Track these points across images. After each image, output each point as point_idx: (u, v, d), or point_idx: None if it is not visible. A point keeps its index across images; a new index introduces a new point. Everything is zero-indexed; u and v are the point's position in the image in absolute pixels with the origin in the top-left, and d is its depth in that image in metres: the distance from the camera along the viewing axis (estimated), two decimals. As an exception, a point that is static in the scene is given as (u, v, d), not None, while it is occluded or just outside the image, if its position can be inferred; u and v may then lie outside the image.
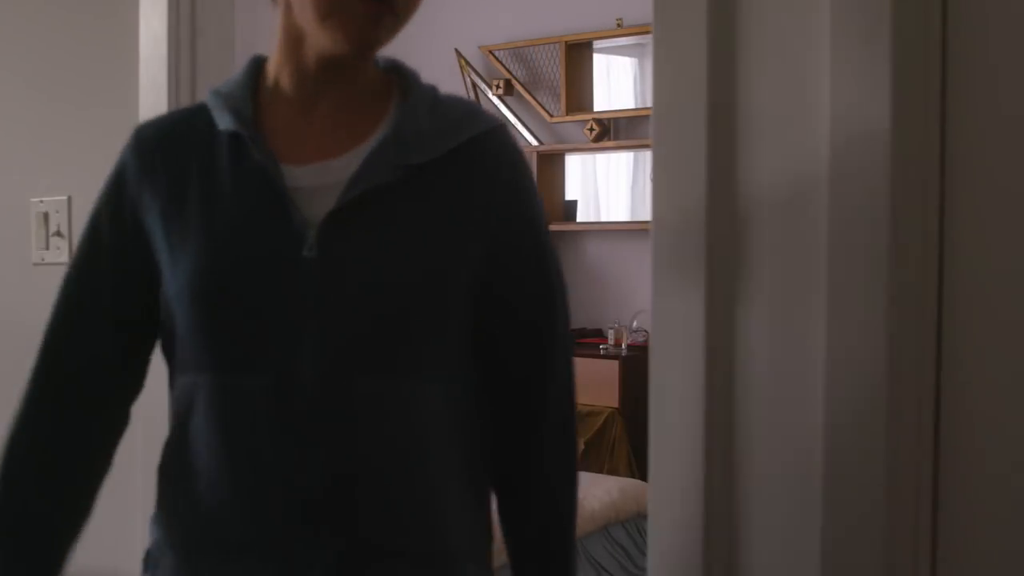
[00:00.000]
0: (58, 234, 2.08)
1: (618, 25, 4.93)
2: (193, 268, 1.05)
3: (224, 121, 1.07)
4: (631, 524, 3.18)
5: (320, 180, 1.05)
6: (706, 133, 1.15)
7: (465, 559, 1.10)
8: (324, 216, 1.03)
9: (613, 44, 5.11)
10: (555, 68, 5.15)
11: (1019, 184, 1.05)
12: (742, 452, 1.16)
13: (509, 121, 5.35)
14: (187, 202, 1.07)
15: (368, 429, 1.04)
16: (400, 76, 1.13)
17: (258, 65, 1.13)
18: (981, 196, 1.07)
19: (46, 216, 2.09)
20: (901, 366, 1.06)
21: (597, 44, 5.11)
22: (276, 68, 1.10)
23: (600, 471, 3.96)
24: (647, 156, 4.67)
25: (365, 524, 1.04)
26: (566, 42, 5.08)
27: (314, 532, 1.03)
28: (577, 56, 5.12)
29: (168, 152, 1.10)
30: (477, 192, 1.08)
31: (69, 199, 2.07)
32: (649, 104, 1.23)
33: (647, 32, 4.07)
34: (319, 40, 1.04)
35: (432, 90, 1.13)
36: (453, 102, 1.14)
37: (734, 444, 1.16)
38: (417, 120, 1.08)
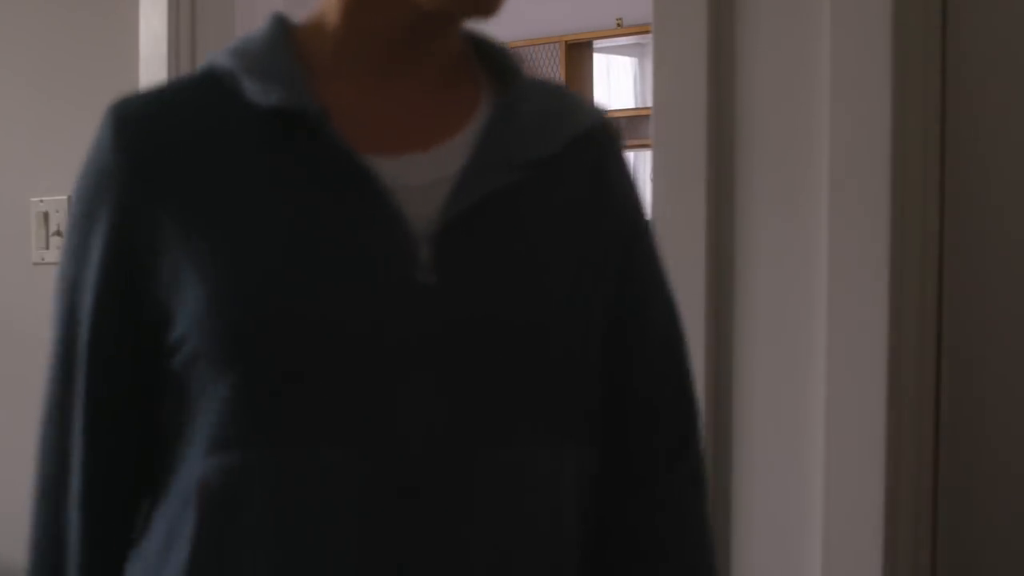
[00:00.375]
0: (58, 234, 2.08)
1: (618, 25, 4.93)
2: (246, 303, 0.73)
3: (271, 93, 0.75)
4: None
5: (412, 178, 0.76)
6: (706, 133, 1.15)
7: None
8: (437, 228, 0.74)
9: (613, 44, 5.11)
10: (555, 68, 5.15)
11: (1019, 183, 1.05)
12: (742, 452, 1.16)
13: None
14: (216, 210, 0.75)
15: (494, 513, 0.75)
16: (485, 50, 0.87)
17: (285, 27, 0.81)
18: (981, 196, 1.07)
19: (46, 216, 2.09)
20: (901, 366, 1.06)
21: (597, 44, 5.11)
22: (337, 32, 0.79)
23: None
24: (647, 156, 4.67)
25: None
26: (566, 42, 5.08)
27: None
28: (577, 56, 5.12)
29: (171, 139, 0.77)
30: (604, 195, 0.84)
31: (69, 199, 2.07)
32: (649, 104, 1.23)
33: (647, 32, 4.06)
34: None
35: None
36: (549, 83, 0.89)
37: (733, 444, 1.16)
38: (531, 103, 0.82)
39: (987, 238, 1.07)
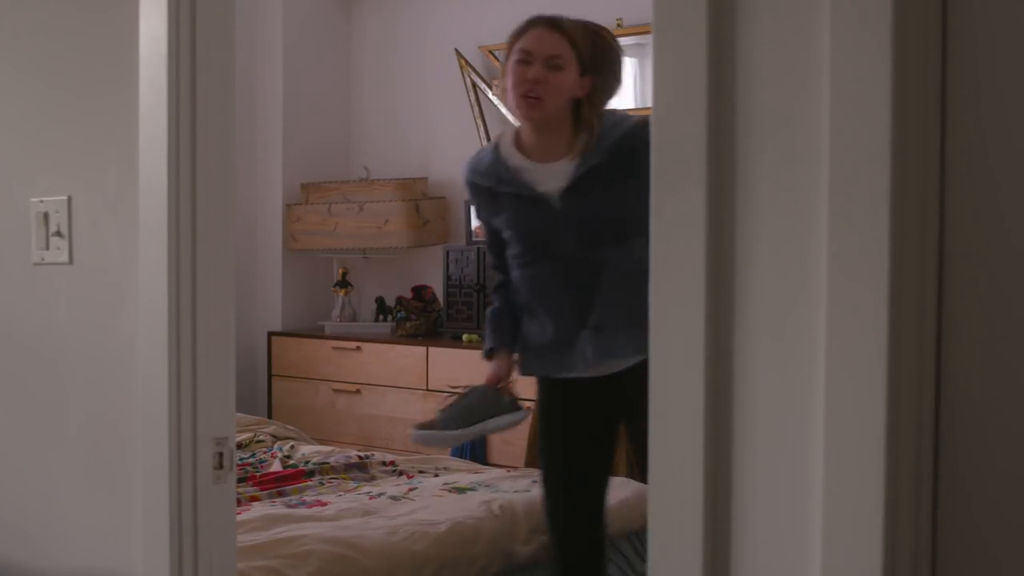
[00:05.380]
0: (58, 234, 2.08)
1: (618, 25, 4.93)
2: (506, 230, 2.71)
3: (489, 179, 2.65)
4: (634, 535, 3.15)
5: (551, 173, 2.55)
6: (706, 133, 1.15)
7: None
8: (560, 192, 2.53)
9: (613, 44, 5.10)
10: (555, 68, 5.14)
11: (1020, 183, 1.05)
12: (742, 452, 1.16)
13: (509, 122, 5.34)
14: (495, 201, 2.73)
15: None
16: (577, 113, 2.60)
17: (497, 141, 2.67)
18: (981, 196, 1.07)
19: (46, 216, 2.09)
20: (901, 365, 1.06)
21: (597, 44, 5.09)
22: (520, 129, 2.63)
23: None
24: (647, 156, 4.66)
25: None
26: (566, 42, 5.07)
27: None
28: (577, 56, 5.11)
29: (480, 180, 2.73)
30: (631, 166, 2.48)
31: (69, 199, 2.07)
32: (649, 104, 1.24)
33: (647, 32, 4.07)
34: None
35: None
36: (614, 115, 2.69)
37: (733, 444, 1.16)
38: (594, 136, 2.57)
39: (988, 238, 1.07)
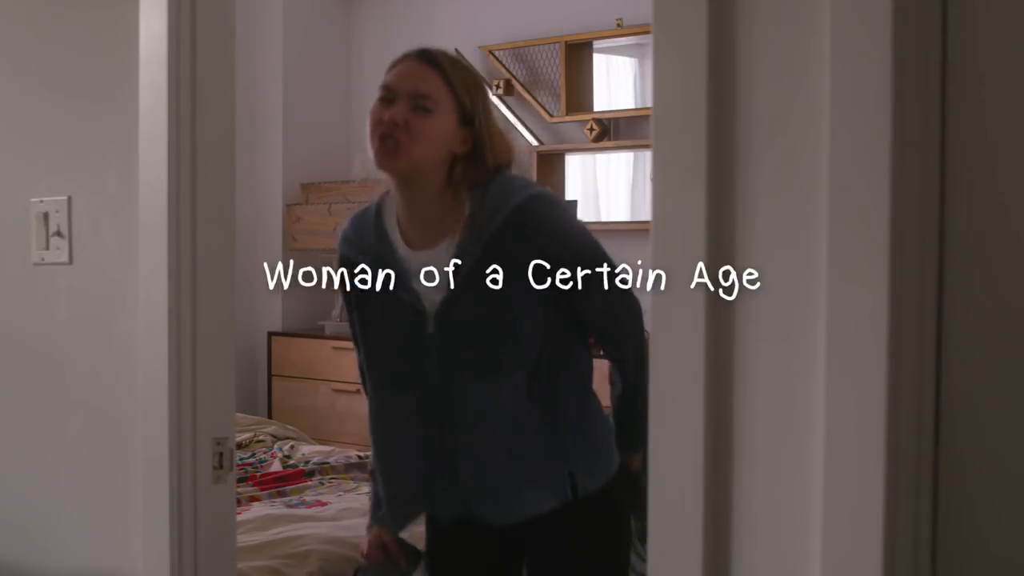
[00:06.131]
0: (58, 234, 2.08)
1: (618, 25, 4.93)
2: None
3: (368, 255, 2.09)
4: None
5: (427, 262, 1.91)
6: (706, 133, 1.15)
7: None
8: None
9: (613, 44, 5.11)
10: (555, 68, 5.15)
11: (1020, 183, 1.05)
12: (742, 452, 1.16)
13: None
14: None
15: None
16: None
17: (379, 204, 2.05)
18: (981, 196, 1.07)
19: (46, 216, 2.09)
20: (901, 366, 1.06)
21: (597, 44, 5.10)
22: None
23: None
24: (647, 156, 4.67)
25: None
26: (566, 42, 5.08)
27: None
28: (577, 56, 5.12)
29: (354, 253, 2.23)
30: (521, 245, 1.90)
31: (69, 199, 2.07)
32: (649, 104, 1.24)
33: (647, 32, 4.06)
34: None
35: None
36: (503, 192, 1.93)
37: (734, 444, 1.16)
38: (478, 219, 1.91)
39: (988, 238, 1.07)
